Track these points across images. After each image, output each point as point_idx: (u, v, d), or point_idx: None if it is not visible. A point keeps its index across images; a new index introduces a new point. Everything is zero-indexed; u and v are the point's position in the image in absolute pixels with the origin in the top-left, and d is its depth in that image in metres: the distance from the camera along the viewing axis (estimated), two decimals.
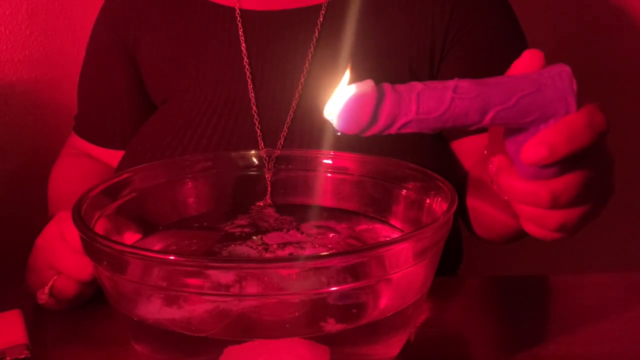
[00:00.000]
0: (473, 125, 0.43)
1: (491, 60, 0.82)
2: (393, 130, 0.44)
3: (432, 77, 0.83)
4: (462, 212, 0.82)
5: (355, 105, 0.43)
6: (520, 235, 0.72)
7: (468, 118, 0.42)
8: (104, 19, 0.94)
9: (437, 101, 0.42)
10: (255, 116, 0.80)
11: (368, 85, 0.43)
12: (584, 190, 0.46)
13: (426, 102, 0.42)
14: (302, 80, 0.80)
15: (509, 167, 0.47)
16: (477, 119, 0.43)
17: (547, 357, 0.58)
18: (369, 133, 0.44)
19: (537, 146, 0.43)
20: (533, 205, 0.47)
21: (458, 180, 0.81)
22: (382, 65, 0.81)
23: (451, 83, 0.43)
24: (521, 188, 0.46)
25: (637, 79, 1.32)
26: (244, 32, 0.83)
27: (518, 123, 0.44)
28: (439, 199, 0.56)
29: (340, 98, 0.43)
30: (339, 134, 0.45)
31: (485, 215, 0.77)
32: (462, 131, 0.82)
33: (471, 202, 0.79)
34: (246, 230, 0.63)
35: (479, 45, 0.82)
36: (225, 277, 0.45)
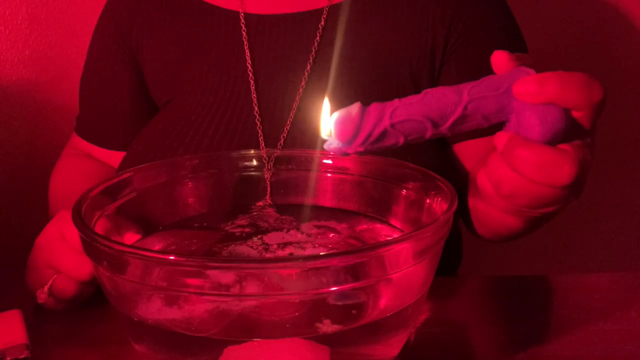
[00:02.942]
0: (457, 108, 0.47)
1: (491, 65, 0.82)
2: (386, 121, 0.48)
3: (433, 81, 0.83)
4: (462, 212, 0.82)
5: (345, 112, 0.48)
6: (520, 234, 0.72)
7: (447, 98, 0.47)
8: (106, 21, 0.94)
9: (414, 96, 0.48)
10: (257, 117, 0.80)
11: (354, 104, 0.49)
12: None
13: (406, 98, 0.48)
14: (303, 83, 0.81)
15: (526, 140, 0.48)
16: (456, 97, 0.47)
17: (547, 357, 0.58)
18: (365, 131, 0.48)
19: (529, 78, 0.47)
20: (550, 182, 0.48)
21: (458, 181, 0.81)
22: (382, 69, 0.81)
23: None
24: (542, 157, 0.47)
25: (637, 79, 1.32)
26: (247, 35, 0.84)
27: (495, 96, 0.48)
28: (439, 199, 0.56)
29: (332, 117, 0.49)
30: (341, 148, 0.49)
31: (485, 215, 0.77)
32: (463, 134, 0.82)
33: (472, 202, 0.79)
34: (246, 230, 0.63)
35: (480, 50, 0.82)
36: (225, 277, 0.45)
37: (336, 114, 0.48)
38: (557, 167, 0.47)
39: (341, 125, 0.48)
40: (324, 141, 0.50)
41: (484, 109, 0.48)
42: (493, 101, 0.48)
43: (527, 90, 0.47)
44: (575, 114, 0.49)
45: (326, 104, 0.51)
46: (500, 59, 0.50)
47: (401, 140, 0.48)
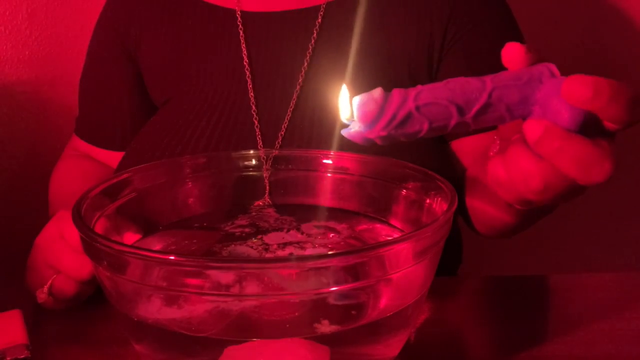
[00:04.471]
0: (482, 94, 0.46)
1: (489, 61, 0.82)
2: (411, 103, 0.46)
3: (431, 78, 0.83)
4: (461, 210, 0.82)
5: (368, 94, 0.47)
6: (516, 229, 0.72)
7: (470, 84, 0.47)
8: (105, 20, 0.94)
9: (437, 83, 0.47)
10: (255, 115, 0.80)
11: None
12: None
13: (428, 84, 0.47)
14: (300, 80, 0.81)
15: (568, 132, 0.45)
16: (479, 85, 0.47)
17: (547, 357, 0.58)
18: (388, 112, 0.46)
19: (584, 80, 0.44)
20: (587, 178, 0.45)
21: (458, 180, 0.82)
22: (380, 66, 0.81)
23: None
24: (585, 151, 0.44)
25: (638, 79, 1.32)
26: (244, 33, 0.84)
27: (518, 86, 0.47)
28: (439, 199, 0.56)
29: (354, 99, 0.48)
30: (362, 132, 0.47)
31: (483, 213, 0.77)
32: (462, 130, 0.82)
33: (470, 200, 0.80)
34: (246, 230, 0.63)
35: (477, 46, 0.82)
36: (225, 277, 0.45)
37: (358, 97, 0.47)
38: (598, 164, 0.45)
39: (364, 106, 0.46)
40: (344, 126, 0.49)
41: (508, 98, 0.47)
42: (516, 90, 0.47)
43: (580, 95, 0.44)
44: (607, 123, 0.46)
45: (344, 89, 0.50)
46: (514, 52, 0.48)
47: (425, 126, 0.47)
